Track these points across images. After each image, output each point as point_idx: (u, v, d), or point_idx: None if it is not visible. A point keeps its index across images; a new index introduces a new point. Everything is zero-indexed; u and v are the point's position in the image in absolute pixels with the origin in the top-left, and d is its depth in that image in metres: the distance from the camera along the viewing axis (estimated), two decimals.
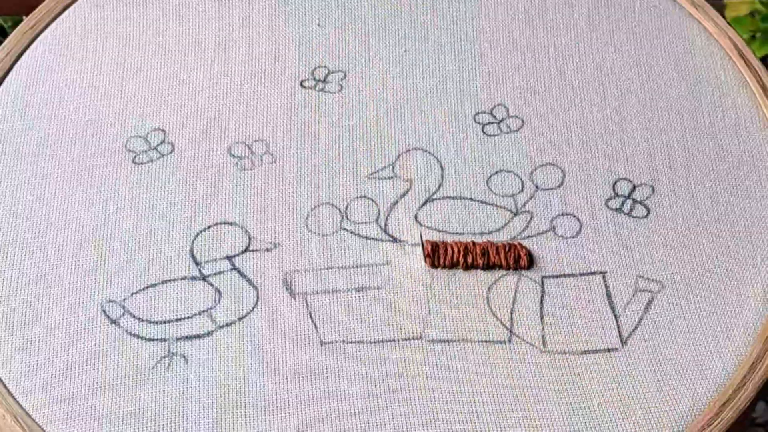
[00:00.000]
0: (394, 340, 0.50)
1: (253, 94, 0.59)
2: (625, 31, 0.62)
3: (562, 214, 0.54)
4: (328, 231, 0.53)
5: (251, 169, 0.55)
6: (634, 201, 0.54)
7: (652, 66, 0.60)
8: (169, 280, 0.52)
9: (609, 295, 0.51)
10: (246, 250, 0.52)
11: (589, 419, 0.47)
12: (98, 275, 0.52)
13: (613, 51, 0.61)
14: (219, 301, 0.51)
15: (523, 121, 0.57)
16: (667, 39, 0.61)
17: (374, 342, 0.50)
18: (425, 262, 0.52)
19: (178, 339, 0.50)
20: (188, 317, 0.50)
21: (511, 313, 0.50)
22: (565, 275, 0.52)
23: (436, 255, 0.52)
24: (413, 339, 0.50)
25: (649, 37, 0.61)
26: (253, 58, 0.60)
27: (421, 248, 0.52)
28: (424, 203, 0.54)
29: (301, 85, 0.59)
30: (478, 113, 0.58)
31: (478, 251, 0.52)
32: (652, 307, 0.51)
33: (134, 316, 0.50)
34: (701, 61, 0.60)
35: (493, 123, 0.57)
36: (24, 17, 0.64)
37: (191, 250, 0.52)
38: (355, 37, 0.61)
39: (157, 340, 0.50)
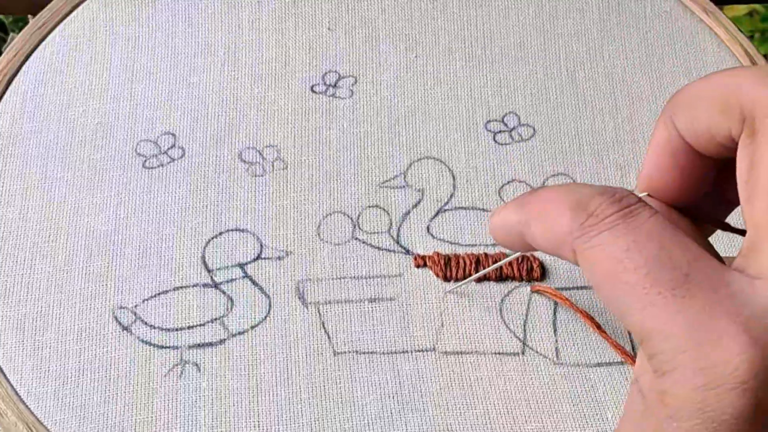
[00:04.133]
0: (407, 352, 0.50)
1: (264, 98, 0.58)
2: (636, 38, 0.61)
3: None
4: (340, 240, 0.53)
5: (262, 175, 0.55)
6: None
7: (663, 73, 0.60)
8: (181, 287, 0.52)
9: None
10: (258, 257, 0.52)
11: (603, 431, 0.47)
12: (109, 281, 0.52)
13: (624, 58, 0.61)
14: (231, 309, 0.51)
15: (534, 129, 0.57)
16: (678, 45, 0.61)
17: (387, 353, 0.50)
18: (437, 275, 0.52)
19: (190, 347, 0.50)
20: (200, 325, 0.50)
21: (525, 325, 0.51)
22: (578, 287, 0.52)
23: (449, 268, 0.52)
24: (426, 351, 0.50)
25: (660, 44, 0.61)
26: (263, 62, 0.60)
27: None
28: (436, 214, 0.54)
29: (312, 90, 0.59)
30: (489, 121, 0.58)
31: (490, 263, 0.52)
32: None
33: (146, 323, 0.50)
34: (712, 68, 0.60)
35: (504, 131, 0.57)
36: (29, 16, 0.63)
37: (203, 257, 0.52)
38: (366, 42, 0.61)
39: (169, 347, 0.50)
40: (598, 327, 0.49)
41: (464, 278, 0.52)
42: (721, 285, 0.29)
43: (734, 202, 0.34)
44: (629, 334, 0.50)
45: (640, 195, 0.35)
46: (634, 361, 0.47)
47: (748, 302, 0.28)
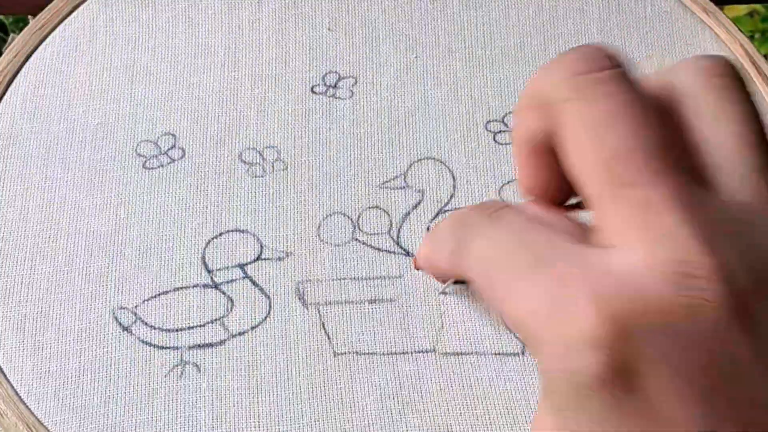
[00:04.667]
0: (407, 353, 0.50)
1: (264, 99, 0.58)
2: (636, 38, 0.61)
3: None
4: (340, 241, 0.53)
5: (262, 176, 0.55)
6: None
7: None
8: (181, 288, 0.52)
9: None
10: (258, 258, 0.52)
11: None
12: (109, 281, 0.52)
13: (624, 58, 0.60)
14: (231, 310, 0.51)
15: None
16: (678, 45, 0.61)
17: (387, 354, 0.50)
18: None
19: (190, 347, 0.50)
20: (200, 325, 0.50)
21: None
22: None
23: None
24: (427, 351, 0.50)
25: (661, 44, 0.61)
26: (263, 62, 0.60)
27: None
28: (437, 215, 0.54)
29: (312, 90, 0.59)
30: (489, 121, 0.58)
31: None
32: None
33: (146, 324, 0.50)
34: None
35: (505, 131, 0.57)
36: (29, 17, 0.63)
37: (203, 258, 0.52)
38: (366, 43, 0.61)
39: (169, 348, 0.50)
40: None
41: (463, 280, 0.51)
42: (576, 259, 0.30)
43: None
44: None
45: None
46: None
47: (600, 270, 0.29)
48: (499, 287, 0.32)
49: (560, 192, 0.36)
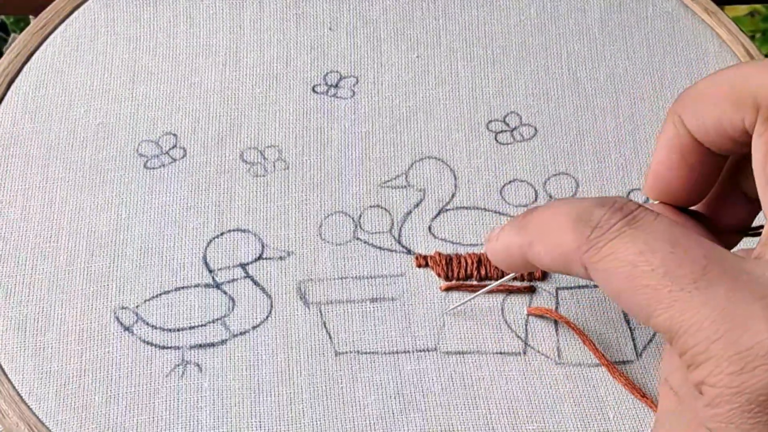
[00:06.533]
0: (408, 352, 0.50)
1: (265, 98, 0.58)
2: (638, 38, 0.61)
3: None
4: (341, 240, 0.53)
5: (264, 176, 0.55)
6: None
7: (665, 73, 0.60)
8: (183, 287, 0.52)
9: None
10: (259, 257, 0.52)
11: (606, 431, 0.47)
12: (111, 281, 0.52)
13: (626, 58, 0.60)
14: (233, 309, 0.51)
15: (536, 129, 0.57)
16: (680, 46, 0.61)
17: (389, 353, 0.50)
18: (439, 275, 0.52)
19: (191, 347, 0.50)
20: (202, 325, 0.50)
21: (526, 325, 0.51)
22: (579, 286, 0.52)
23: (450, 267, 0.52)
24: (428, 350, 0.50)
25: (662, 44, 0.61)
26: (264, 62, 0.60)
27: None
28: (438, 214, 0.54)
29: (313, 90, 0.59)
30: (491, 121, 0.58)
31: (492, 263, 0.52)
32: None
33: (147, 324, 0.50)
34: (714, 69, 0.60)
35: (506, 131, 0.57)
36: (30, 17, 0.63)
37: (204, 257, 0.52)
38: (367, 42, 0.61)
39: (170, 348, 0.50)
40: (596, 349, 0.49)
41: (465, 278, 0.52)
42: (741, 272, 0.29)
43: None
44: (633, 340, 0.50)
45: (649, 203, 0.36)
46: (639, 393, 0.48)
47: None
48: (651, 298, 0.30)
49: (690, 197, 0.36)
